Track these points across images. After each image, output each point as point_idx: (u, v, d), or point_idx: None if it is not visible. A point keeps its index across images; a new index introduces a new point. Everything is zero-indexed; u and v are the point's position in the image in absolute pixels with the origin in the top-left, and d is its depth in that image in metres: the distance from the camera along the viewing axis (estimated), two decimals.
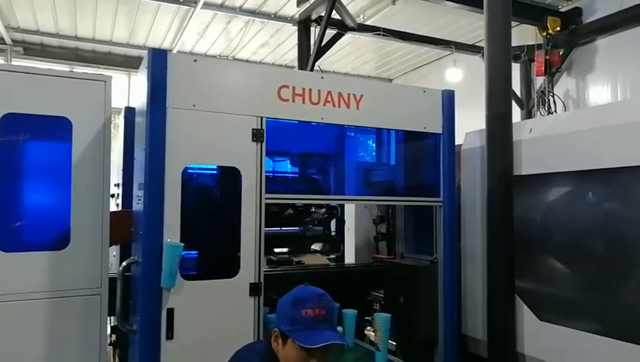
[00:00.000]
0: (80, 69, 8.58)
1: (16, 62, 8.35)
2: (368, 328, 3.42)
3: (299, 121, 3.15)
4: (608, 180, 2.82)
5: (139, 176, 2.92)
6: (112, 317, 3.13)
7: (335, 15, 6.30)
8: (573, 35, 6.91)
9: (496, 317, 3.35)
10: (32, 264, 2.87)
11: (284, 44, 8.77)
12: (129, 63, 9.23)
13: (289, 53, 8.96)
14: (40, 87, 2.97)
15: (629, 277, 2.71)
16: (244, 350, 2.02)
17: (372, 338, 3.34)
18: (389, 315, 3.21)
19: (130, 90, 9.14)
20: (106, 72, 8.35)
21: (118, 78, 8.72)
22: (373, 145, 4.36)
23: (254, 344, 2.14)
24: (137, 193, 2.96)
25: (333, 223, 4.70)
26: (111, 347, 3.36)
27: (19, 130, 2.92)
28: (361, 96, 3.29)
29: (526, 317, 3.24)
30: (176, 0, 7.08)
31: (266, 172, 2.98)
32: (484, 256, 3.46)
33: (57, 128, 3.02)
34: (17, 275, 2.85)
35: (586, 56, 6.93)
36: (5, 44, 8.29)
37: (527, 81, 7.63)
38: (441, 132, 3.57)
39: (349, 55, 9.31)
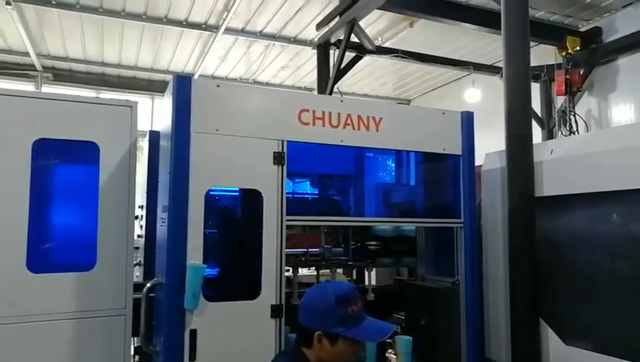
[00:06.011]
0: (106, 94, 8.86)
1: (45, 88, 8.67)
2: (389, 351, 3.37)
3: (319, 143, 3.19)
4: (632, 201, 2.78)
5: (163, 199, 2.99)
6: (135, 338, 3.17)
7: (354, 38, 6.39)
8: (594, 55, 6.87)
9: (520, 340, 3.29)
10: (59, 285, 2.94)
11: (303, 67, 8.91)
12: (152, 87, 9.50)
13: (308, 75, 9.10)
14: (70, 113, 3.08)
15: None
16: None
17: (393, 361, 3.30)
18: (411, 338, 3.18)
19: (153, 113, 9.36)
20: (130, 96, 8.61)
21: (142, 102, 8.95)
22: (393, 166, 4.37)
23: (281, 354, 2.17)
24: (161, 215, 3.02)
25: None
26: None
27: (49, 155, 3.03)
28: (381, 118, 3.32)
29: (551, 340, 3.17)
30: (198, 26, 7.29)
31: (286, 193, 3.02)
32: (507, 278, 3.41)
33: (85, 153, 3.12)
34: (45, 296, 2.91)
35: (608, 75, 6.87)
36: (36, 70, 8.62)
37: (547, 101, 7.59)
38: (460, 153, 3.57)
39: (367, 77, 9.41)
